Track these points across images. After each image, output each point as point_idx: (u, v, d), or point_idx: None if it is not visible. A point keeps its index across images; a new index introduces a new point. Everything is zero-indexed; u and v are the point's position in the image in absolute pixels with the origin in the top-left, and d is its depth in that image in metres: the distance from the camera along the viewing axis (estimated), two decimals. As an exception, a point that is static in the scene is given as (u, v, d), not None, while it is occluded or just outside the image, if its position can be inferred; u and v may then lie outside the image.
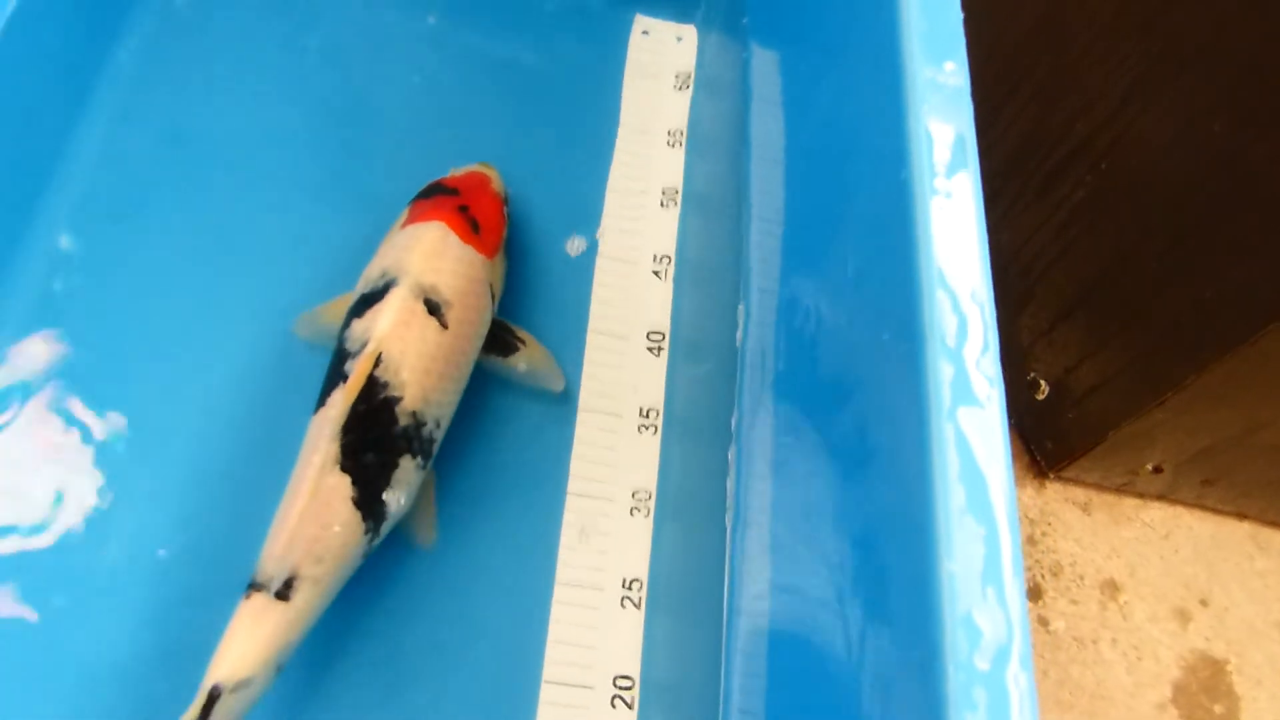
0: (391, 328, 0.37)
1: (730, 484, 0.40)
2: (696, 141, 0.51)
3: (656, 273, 0.47)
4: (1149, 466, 0.74)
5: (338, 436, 0.35)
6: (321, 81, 0.49)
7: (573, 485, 0.43)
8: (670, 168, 0.50)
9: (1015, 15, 0.70)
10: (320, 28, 0.51)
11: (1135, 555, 0.77)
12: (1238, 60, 0.56)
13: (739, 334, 0.41)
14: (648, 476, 0.44)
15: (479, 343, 0.41)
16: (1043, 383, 0.76)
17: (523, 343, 0.43)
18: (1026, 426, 0.79)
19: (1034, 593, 0.74)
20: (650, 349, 0.46)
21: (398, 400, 0.36)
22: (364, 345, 0.36)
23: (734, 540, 0.38)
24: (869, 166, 0.33)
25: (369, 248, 0.42)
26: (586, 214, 0.48)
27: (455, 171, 0.45)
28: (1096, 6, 0.64)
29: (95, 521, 0.38)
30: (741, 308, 0.42)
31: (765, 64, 0.50)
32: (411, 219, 0.41)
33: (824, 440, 0.31)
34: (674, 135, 0.50)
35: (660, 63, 0.52)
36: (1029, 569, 0.75)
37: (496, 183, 0.45)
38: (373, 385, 0.36)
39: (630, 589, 0.41)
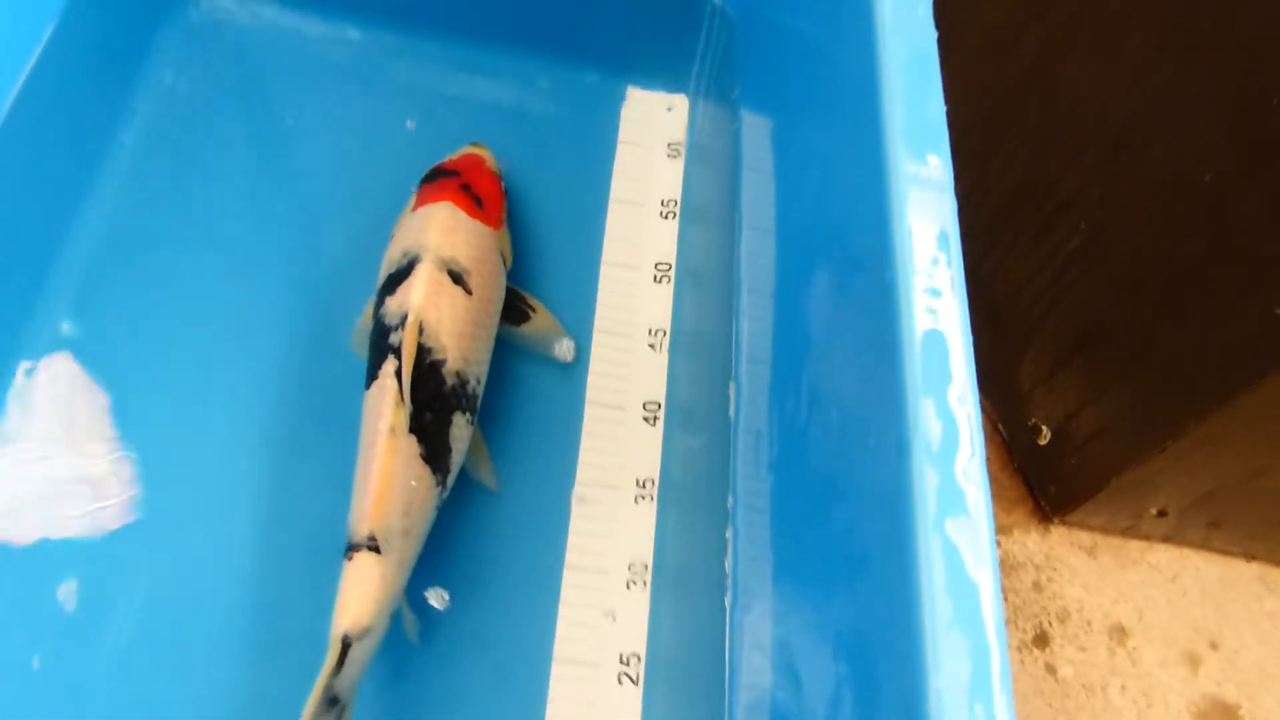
0: (425, 298, 0.40)
1: (728, 565, 0.40)
2: (689, 211, 0.51)
3: (652, 345, 0.48)
4: (1153, 510, 0.74)
5: (399, 404, 0.38)
6: (318, 167, 0.50)
7: (570, 557, 0.43)
8: (663, 240, 0.50)
9: (1007, 60, 0.71)
10: (319, 117, 0.52)
11: (1143, 598, 0.77)
12: (1225, 113, 0.56)
13: (731, 411, 0.41)
14: (644, 549, 0.44)
15: (499, 305, 0.45)
16: (1044, 428, 0.76)
17: (533, 310, 0.47)
18: (1029, 471, 0.79)
19: (1041, 640, 0.74)
20: (646, 419, 0.46)
21: (442, 362, 0.40)
22: (403, 318, 0.40)
23: (732, 622, 0.38)
24: (856, 256, 0.34)
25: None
26: (580, 301, 0.49)
27: (451, 156, 0.49)
28: (1085, 56, 0.65)
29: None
30: (733, 385, 0.42)
31: (756, 137, 0.51)
32: (420, 202, 0.45)
33: (818, 536, 0.31)
34: (667, 206, 0.51)
35: (652, 132, 0.53)
36: (1035, 615, 0.75)
37: (491, 161, 0.49)
38: (419, 351, 0.39)
39: (628, 665, 0.42)
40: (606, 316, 0.48)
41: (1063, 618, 0.75)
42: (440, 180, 0.46)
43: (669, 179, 0.52)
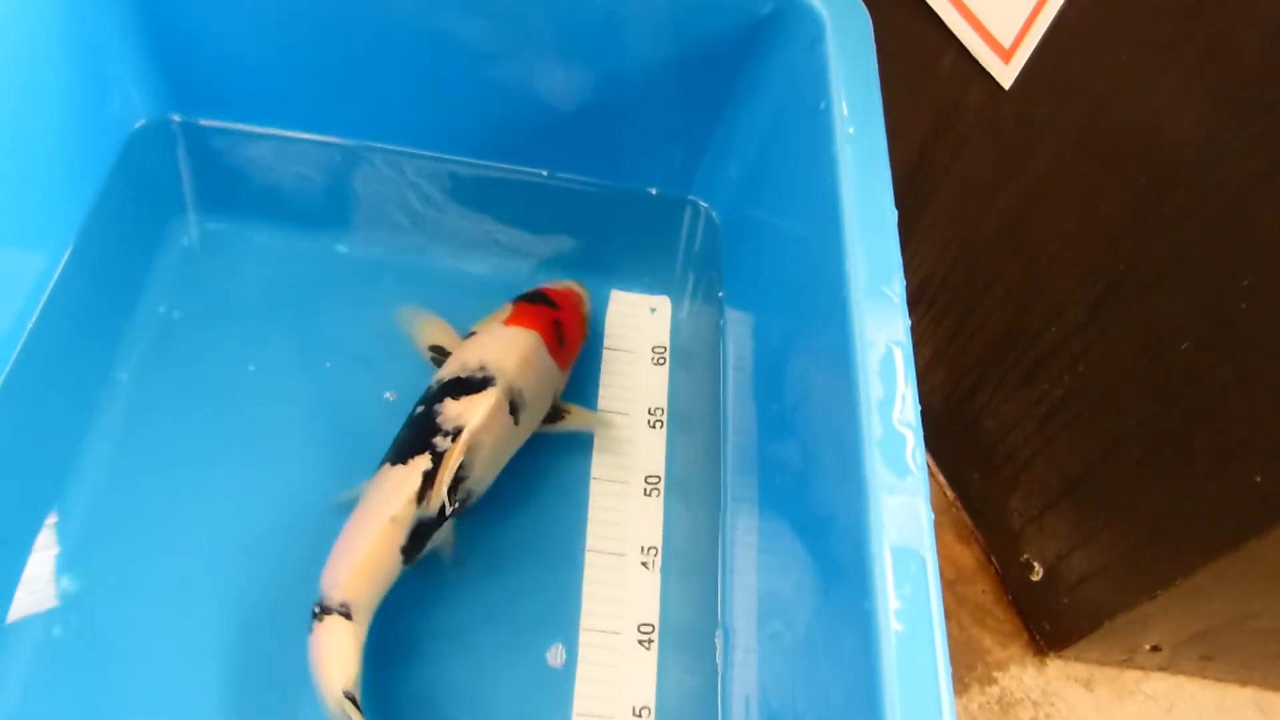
0: (482, 424, 0.43)
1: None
2: (676, 418, 0.52)
3: (644, 564, 0.48)
4: (1147, 646, 0.75)
5: (414, 501, 0.41)
6: (312, 392, 0.51)
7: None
8: (653, 451, 0.51)
9: (984, 217, 0.73)
10: (310, 339, 0.52)
11: (1141, 731, 0.77)
12: (1200, 284, 0.57)
13: (718, 656, 0.42)
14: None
15: (530, 434, 0.48)
16: (1036, 565, 0.76)
17: (568, 412, 0.50)
18: (1023, 605, 0.79)
19: (1041, 781, 0.74)
20: (641, 642, 0.47)
21: (464, 479, 0.43)
22: (456, 429, 0.43)
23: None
24: (836, 560, 0.34)
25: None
26: (573, 513, 0.49)
27: (555, 285, 0.52)
28: (1061, 216, 0.66)
29: None
30: (719, 633, 0.43)
31: (740, 338, 0.52)
32: (514, 319, 0.48)
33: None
34: (654, 414, 0.52)
35: (636, 336, 0.54)
36: (1035, 756, 0.75)
37: (586, 304, 0.53)
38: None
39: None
40: (597, 534, 0.49)
41: (1062, 756, 0.75)
42: (539, 306, 0.49)
43: (655, 387, 0.53)
